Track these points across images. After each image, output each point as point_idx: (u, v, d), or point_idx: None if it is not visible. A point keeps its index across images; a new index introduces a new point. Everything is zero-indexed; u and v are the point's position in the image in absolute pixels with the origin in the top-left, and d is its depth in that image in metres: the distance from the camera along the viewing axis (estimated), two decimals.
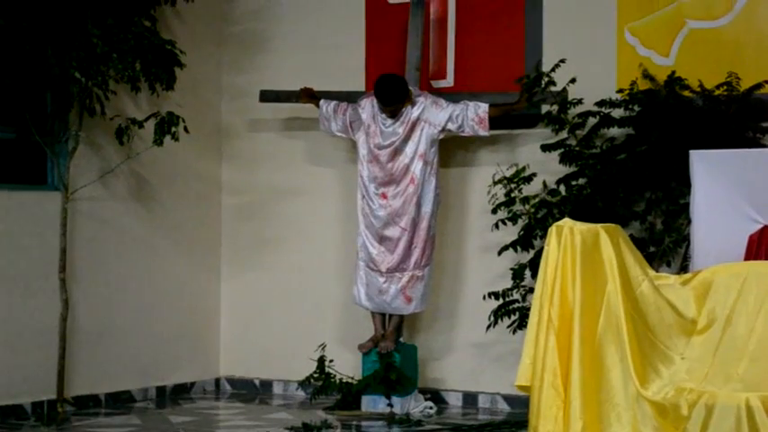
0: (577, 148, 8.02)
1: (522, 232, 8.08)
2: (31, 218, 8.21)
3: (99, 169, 8.55)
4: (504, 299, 8.12)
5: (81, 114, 8.22)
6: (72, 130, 8.29)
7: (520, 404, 8.08)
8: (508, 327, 8.12)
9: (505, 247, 8.12)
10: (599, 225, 6.07)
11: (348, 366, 8.60)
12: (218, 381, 9.53)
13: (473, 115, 8.23)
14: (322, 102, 8.72)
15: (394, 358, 8.30)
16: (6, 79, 7.94)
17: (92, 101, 8.15)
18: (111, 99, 8.27)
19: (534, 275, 7.55)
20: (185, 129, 8.29)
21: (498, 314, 8.12)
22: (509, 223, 8.11)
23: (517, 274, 8.04)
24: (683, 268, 7.48)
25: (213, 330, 9.55)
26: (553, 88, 8.12)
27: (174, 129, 8.25)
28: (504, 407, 8.54)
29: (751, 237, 6.29)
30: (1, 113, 8.13)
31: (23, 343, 8.10)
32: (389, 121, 8.37)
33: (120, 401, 8.69)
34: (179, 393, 9.16)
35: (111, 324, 8.69)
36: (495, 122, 8.28)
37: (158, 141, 8.26)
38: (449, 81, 8.83)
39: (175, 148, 8.49)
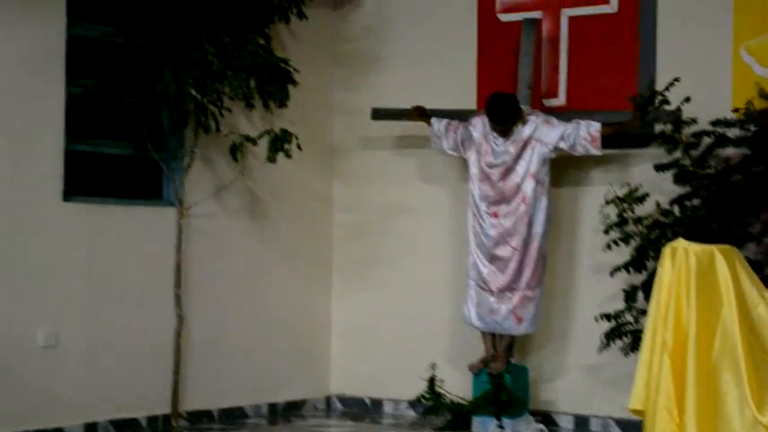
0: (692, 168, 7.91)
1: (634, 253, 7.98)
2: (147, 233, 8.35)
3: (213, 185, 8.67)
4: (616, 321, 8.03)
5: (196, 131, 8.35)
6: (187, 147, 8.42)
7: (632, 429, 7.95)
8: (621, 349, 8.02)
9: (618, 269, 8.03)
10: (714, 246, 5.99)
11: (458, 386, 8.56)
12: (328, 399, 9.57)
13: (585, 134, 8.18)
14: (433, 120, 8.73)
15: (505, 379, 8.25)
16: (125, 97, 8.11)
17: (207, 118, 8.26)
18: (225, 116, 8.37)
19: (647, 297, 7.44)
20: (298, 146, 8.38)
21: (611, 336, 8.03)
22: (621, 244, 8.03)
23: (630, 295, 7.95)
24: None
25: (324, 348, 9.60)
26: (667, 107, 8.01)
27: (286, 146, 8.34)
28: (616, 431, 8.43)
29: None
30: (119, 130, 8.29)
31: (139, 357, 8.24)
32: (501, 140, 8.35)
33: (233, 417, 8.78)
34: (290, 410, 9.21)
35: (223, 340, 8.79)
36: (607, 141, 8.21)
37: (272, 158, 8.36)
38: (561, 100, 8.78)
39: (288, 165, 8.57)
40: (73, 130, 8.00)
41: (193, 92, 8.11)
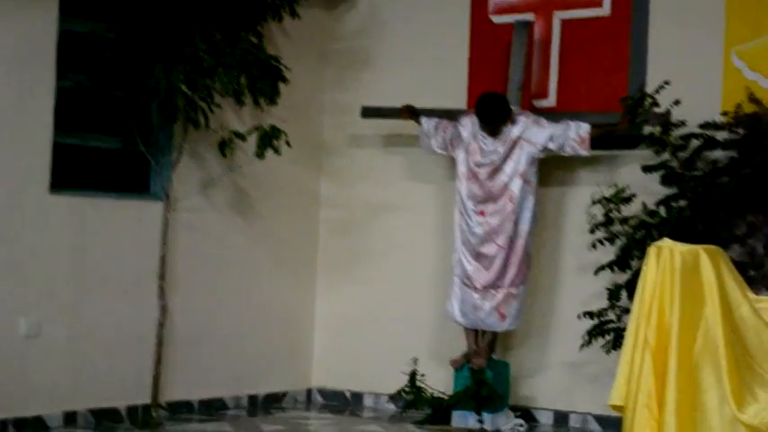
0: (679, 170, 7.93)
1: (619, 253, 8.00)
2: (134, 226, 8.35)
3: (201, 180, 8.68)
4: (599, 318, 8.05)
5: (185, 126, 8.35)
6: (176, 142, 8.43)
7: (611, 425, 8.01)
8: (602, 347, 8.04)
9: (602, 267, 8.05)
10: (700, 246, 5.99)
11: (439, 381, 8.58)
12: (309, 391, 9.58)
13: (574, 135, 8.20)
14: (423, 119, 8.74)
15: (486, 374, 8.28)
16: (114, 91, 8.12)
17: (196, 113, 8.25)
18: (215, 112, 8.37)
19: (630, 296, 7.44)
20: (287, 143, 8.38)
21: (593, 334, 8.05)
22: (607, 243, 8.05)
23: (613, 294, 7.97)
24: None
25: (306, 342, 9.62)
26: (656, 109, 8.04)
27: (276, 142, 8.35)
28: (595, 427, 8.47)
29: None
30: (108, 124, 8.29)
31: (121, 348, 8.24)
32: (490, 140, 8.36)
33: (213, 408, 8.78)
34: (271, 403, 9.22)
35: (206, 332, 8.80)
36: (595, 143, 8.24)
37: (260, 154, 8.37)
38: (551, 101, 8.79)
39: (276, 161, 8.57)
40: (62, 124, 7.99)
41: (184, 87, 8.08)
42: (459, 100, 9.07)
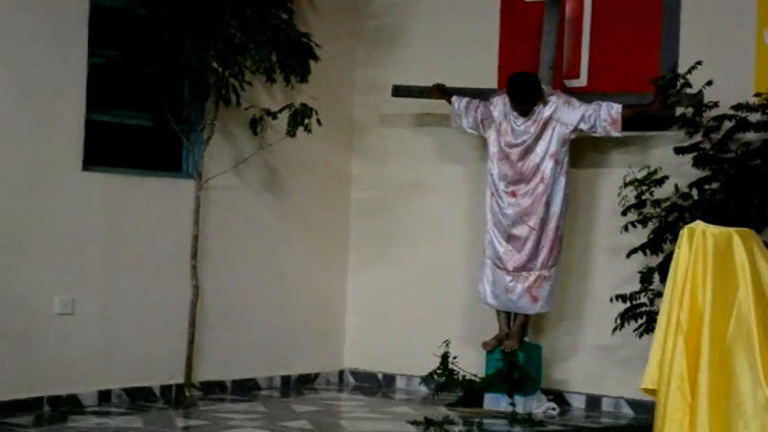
0: (712, 152, 7.89)
1: (651, 235, 7.97)
2: (165, 204, 8.37)
3: (232, 158, 8.69)
4: (631, 302, 8.02)
5: (217, 104, 8.34)
6: (208, 120, 8.43)
7: (643, 409, 7.99)
8: (635, 330, 8.02)
9: (634, 250, 8.01)
10: (732, 229, 5.96)
11: (471, 363, 8.57)
12: (341, 373, 9.60)
13: (606, 116, 8.16)
14: (454, 98, 8.71)
15: (518, 357, 8.26)
16: (146, 68, 8.11)
17: (228, 91, 8.24)
18: (246, 90, 8.36)
19: (663, 279, 7.45)
20: (318, 121, 8.38)
21: (625, 317, 8.02)
22: (639, 226, 8.01)
23: (645, 277, 7.93)
24: None
25: (338, 322, 9.63)
26: (689, 90, 7.99)
27: (307, 121, 8.34)
28: (627, 411, 8.43)
29: None
30: (140, 101, 8.29)
31: (154, 327, 8.28)
32: (521, 120, 8.34)
33: (246, 389, 8.81)
34: (303, 383, 9.25)
35: (238, 312, 8.82)
36: (627, 124, 8.19)
37: (291, 133, 8.38)
38: (582, 81, 8.75)
39: (307, 140, 8.57)
40: (94, 101, 8.01)
41: (215, 64, 8.08)
42: (489, 79, 9.03)
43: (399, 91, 9.10)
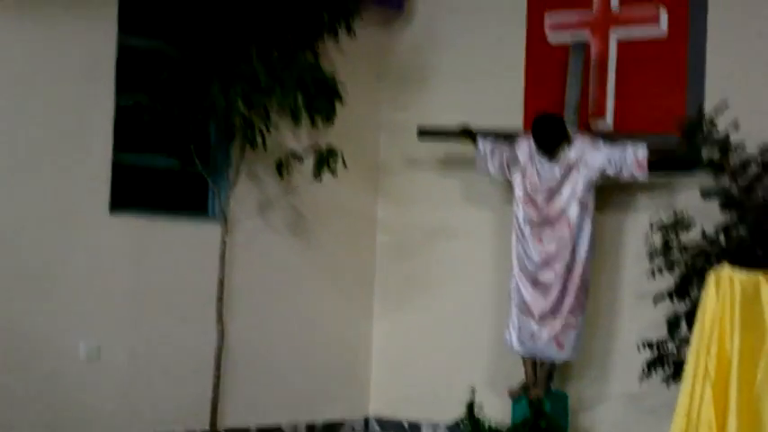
0: (739, 197, 7.83)
1: (678, 281, 7.89)
2: (192, 247, 8.38)
3: (258, 201, 8.70)
4: (658, 350, 7.93)
5: (243, 146, 8.36)
6: (233, 162, 8.44)
7: None
8: (662, 379, 7.91)
9: (661, 297, 7.95)
10: (760, 274, 5.93)
11: (497, 411, 8.50)
12: (367, 420, 9.54)
13: (631, 158, 8.12)
14: (479, 141, 8.69)
15: (544, 405, 8.18)
16: (173, 110, 8.12)
17: (253, 133, 8.26)
18: (272, 132, 8.38)
19: (690, 327, 7.35)
20: (344, 163, 8.38)
21: (652, 365, 7.92)
22: (666, 271, 7.96)
23: (673, 325, 7.83)
24: None
25: (364, 368, 9.59)
26: (715, 132, 7.95)
27: (332, 163, 8.35)
28: None
29: None
30: (166, 143, 8.31)
31: (180, 372, 8.26)
32: (546, 163, 8.31)
33: None
34: (329, 430, 9.19)
35: (264, 357, 8.79)
36: (653, 166, 8.15)
37: (317, 176, 8.38)
38: (607, 122, 8.72)
39: (333, 182, 8.58)
40: (121, 143, 8.04)
41: (241, 106, 8.10)
42: (515, 119, 9.02)
43: (425, 131, 9.09)
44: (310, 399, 9.13)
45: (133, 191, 8.23)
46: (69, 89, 7.73)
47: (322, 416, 9.20)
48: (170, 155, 8.34)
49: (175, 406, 8.21)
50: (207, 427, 8.28)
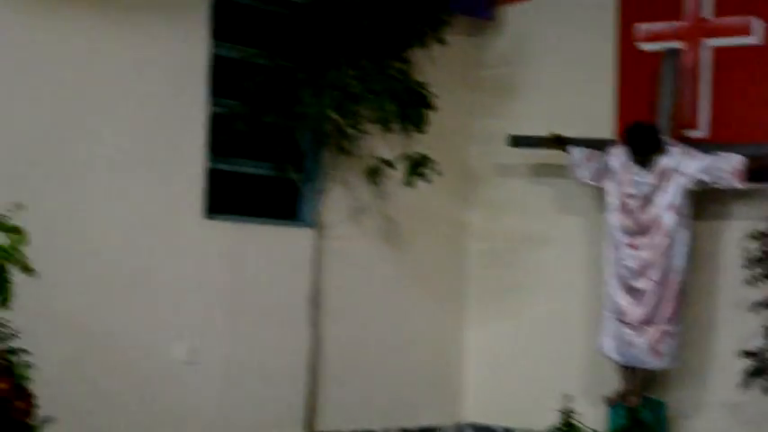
0: None
1: None
2: (285, 253, 8.41)
3: (350, 208, 8.72)
4: (758, 358, 7.83)
5: (335, 153, 8.39)
6: (325, 169, 8.47)
7: None
8: (763, 388, 7.81)
9: (759, 305, 7.85)
10: None
11: (593, 419, 8.39)
12: (460, 427, 9.50)
13: (727, 167, 8.04)
14: (572, 148, 8.66)
15: (642, 414, 8.11)
16: (266, 117, 8.18)
17: (345, 140, 8.31)
18: (363, 139, 8.42)
19: None
20: (436, 171, 8.38)
21: (752, 374, 7.83)
22: (764, 280, 7.85)
23: None
24: None
25: (457, 375, 9.55)
26: None
27: (424, 170, 8.36)
28: None
29: None
30: (260, 150, 8.37)
31: (273, 376, 8.29)
32: (641, 171, 8.26)
33: None
34: None
35: (357, 362, 8.80)
36: (749, 175, 8.06)
37: (410, 182, 8.39)
38: (702, 131, 8.62)
39: (424, 190, 8.58)
40: (216, 150, 8.10)
41: (332, 114, 8.15)
42: (605, 129, 8.95)
43: (517, 141, 9.07)
44: (404, 404, 9.12)
45: (228, 197, 8.28)
46: (163, 97, 7.81)
47: (415, 422, 9.19)
48: (263, 161, 8.39)
49: (269, 409, 8.24)
50: (301, 431, 8.31)
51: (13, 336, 6.00)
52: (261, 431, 8.19)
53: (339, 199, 8.65)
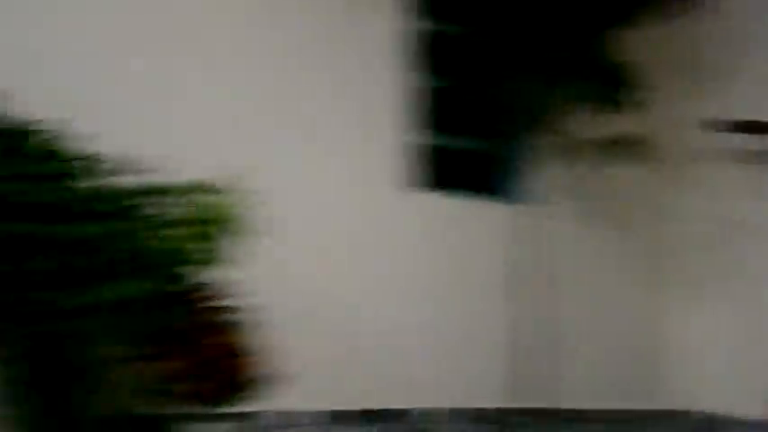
0: None
1: None
2: (484, 229, 8.43)
3: (554, 186, 8.67)
4: None
5: (543, 131, 8.39)
6: (533, 147, 8.48)
7: None
8: None
9: None
10: None
11: None
12: (692, 412, 9.10)
13: None
14: None
15: None
16: (476, 93, 8.25)
17: (554, 119, 8.29)
18: (572, 118, 8.38)
19: None
20: (647, 153, 8.28)
21: None
22: None
23: None
24: None
25: (662, 361, 9.31)
26: None
27: (636, 152, 8.27)
28: None
29: None
30: (469, 125, 8.43)
31: (469, 356, 8.31)
32: None
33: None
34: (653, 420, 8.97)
35: (556, 342, 8.67)
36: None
37: (618, 164, 8.32)
38: None
39: (628, 170, 8.47)
40: (431, 124, 8.23)
41: (542, 92, 8.16)
42: None
43: (734, 126, 8.85)
44: (619, 386, 8.96)
45: (440, 171, 8.35)
46: (360, 69, 7.93)
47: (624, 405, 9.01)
48: (472, 136, 8.44)
49: (468, 381, 8.29)
50: (501, 405, 8.30)
51: (247, 294, 6.09)
52: (462, 403, 8.23)
53: (544, 177, 8.62)
